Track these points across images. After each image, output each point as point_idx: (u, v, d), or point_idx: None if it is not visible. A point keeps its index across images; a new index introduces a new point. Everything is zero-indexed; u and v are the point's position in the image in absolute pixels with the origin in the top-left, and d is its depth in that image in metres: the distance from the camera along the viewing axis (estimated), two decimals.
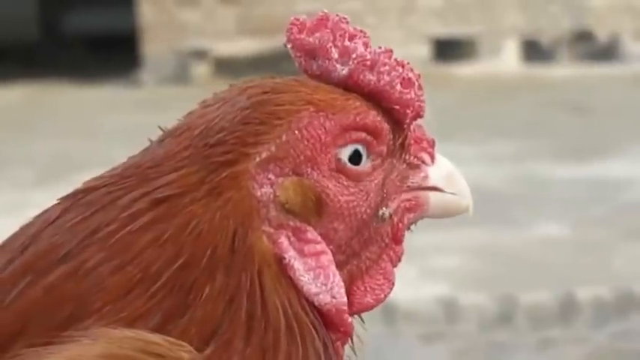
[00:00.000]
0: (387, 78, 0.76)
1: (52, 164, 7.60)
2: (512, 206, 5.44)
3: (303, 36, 0.78)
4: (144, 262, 0.67)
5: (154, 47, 11.45)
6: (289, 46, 0.79)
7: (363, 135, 0.75)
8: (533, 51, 10.78)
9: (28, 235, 0.70)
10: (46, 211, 0.73)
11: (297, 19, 0.79)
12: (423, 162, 0.80)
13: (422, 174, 0.80)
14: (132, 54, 11.72)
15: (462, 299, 4.23)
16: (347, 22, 0.78)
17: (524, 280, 4.57)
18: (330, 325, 0.73)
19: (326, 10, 0.78)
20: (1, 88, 11.31)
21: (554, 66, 10.53)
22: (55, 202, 0.74)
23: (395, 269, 0.79)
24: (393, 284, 0.79)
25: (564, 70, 10.32)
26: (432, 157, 0.80)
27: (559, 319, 4.17)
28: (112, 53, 12.68)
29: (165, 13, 11.61)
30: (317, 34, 0.77)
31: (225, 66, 11.05)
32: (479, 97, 8.82)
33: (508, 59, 10.63)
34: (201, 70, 11.20)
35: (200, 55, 11.31)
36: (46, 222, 0.71)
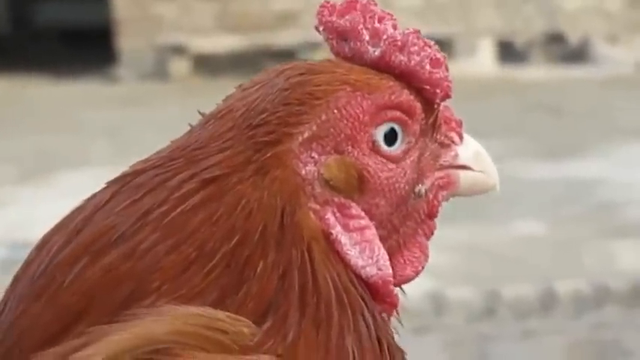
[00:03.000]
0: (417, 58, 0.77)
1: (33, 160, 7.53)
2: (492, 205, 5.56)
3: (334, 18, 0.79)
4: (198, 240, 0.68)
5: (130, 42, 11.31)
6: (321, 28, 0.80)
7: (398, 114, 0.77)
8: (508, 52, 10.91)
9: (81, 218, 0.71)
10: (95, 195, 0.74)
11: (327, 2, 0.80)
12: (453, 141, 0.82)
13: (452, 153, 0.81)
14: (107, 48, 11.55)
15: (449, 294, 4.41)
16: (375, 4, 0.79)
17: (506, 275, 4.73)
18: (377, 297, 0.74)
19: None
20: None
21: (528, 67, 10.63)
22: (104, 185, 0.75)
23: (429, 243, 0.82)
24: (428, 257, 0.81)
25: (538, 72, 10.41)
26: (461, 137, 0.82)
27: (540, 311, 4.34)
28: (87, 47, 12.43)
29: (140, 6, 11.42)
30: (347, 17, 0.78)
31: (204, 62, 10.91)
32: (458, 97, 8.89)
33: (484, 59, 10.76)
34: (179, 66, 11.08)
35: (178, 51, 11.17)
36: (97, 205, 0.72)
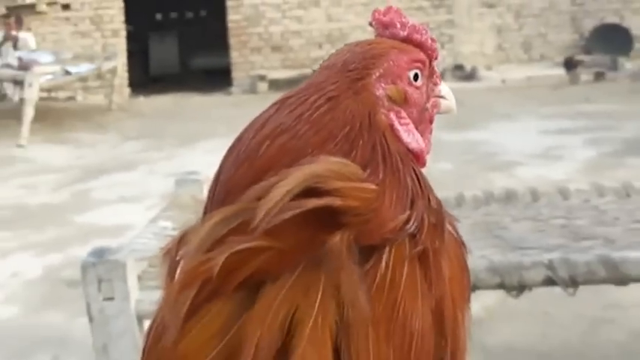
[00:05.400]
0: (425, 36, 0.76)
1: (187, 136, 7.59)
2: None
3: (381, 17, 0.78)
4: (327, 129, 0.66)
5: (238, 74, 11.40)
6: (374, 23, 0.78)
7: (419, 64, 0.75)
8: None
9: (261, 122, 0.68)
10: (265, 110, 0.69)
11: (376, 10, 0.80)
12: (438, 83, 0.80)
13: (438, 89, 0.79)
14: (227, 78, 11.67)
15: None
16: (400, 10, 0.79)
17: (433, 188, 4.67)
18: (416, 159, 0.73)
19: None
20: (161, 96, 11.31)
21: (443, 83, 10.46)
22: (270, 104, 0.69)
23: (431, 137, 0.80)
24: (431, 145, 0.79)
25: (450, 85, 10.11)
26: (440, 81, 0.81)
27: (455, 206, 4.16)
28: (217, 78, 12.67)
29: (243, 57, 11.53)
30: (388, 16, 0.78)
31: (275, 84, 10.95)
32: None
33: None
34: (262, 86, 11.12)
35: (262, 78, 11.25)
36: (268, 115, 0.68)
